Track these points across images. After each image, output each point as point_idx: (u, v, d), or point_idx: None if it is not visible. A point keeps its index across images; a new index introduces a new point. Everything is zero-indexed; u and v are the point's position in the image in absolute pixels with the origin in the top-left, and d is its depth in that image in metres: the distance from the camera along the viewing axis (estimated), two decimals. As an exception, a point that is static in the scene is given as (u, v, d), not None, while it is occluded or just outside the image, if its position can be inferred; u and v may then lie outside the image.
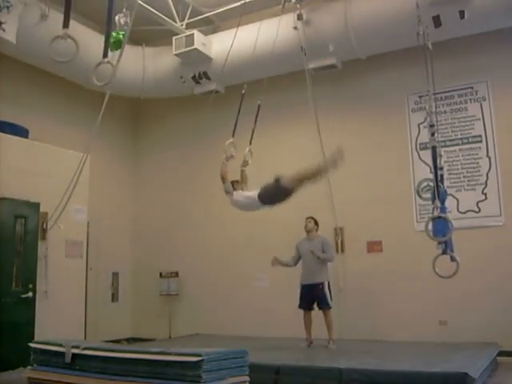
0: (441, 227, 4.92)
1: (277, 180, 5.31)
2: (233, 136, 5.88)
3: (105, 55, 4.25)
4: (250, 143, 6.28)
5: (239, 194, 5.71)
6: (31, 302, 6.49)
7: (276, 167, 6.59)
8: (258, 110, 6.28)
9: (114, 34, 6.74)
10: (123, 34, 6.64)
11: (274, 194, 5.40)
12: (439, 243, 4.99)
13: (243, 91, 6.07)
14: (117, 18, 6.62)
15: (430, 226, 4.97)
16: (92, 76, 4.29)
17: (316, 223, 7.04)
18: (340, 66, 8.02)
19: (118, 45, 6.26)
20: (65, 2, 3.95)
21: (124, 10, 6.67)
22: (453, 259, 5.00)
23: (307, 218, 7.04)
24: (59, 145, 7.48)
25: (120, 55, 4.98)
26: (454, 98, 7.73)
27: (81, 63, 7.16)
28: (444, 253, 4.99)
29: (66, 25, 3.90)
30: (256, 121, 6.28)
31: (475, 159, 7.49)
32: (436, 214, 4.92)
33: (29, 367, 4.09)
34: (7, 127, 6.91)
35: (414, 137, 7.93)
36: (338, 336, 6.85)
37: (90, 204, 7.71)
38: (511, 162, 7.23)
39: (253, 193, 5.55)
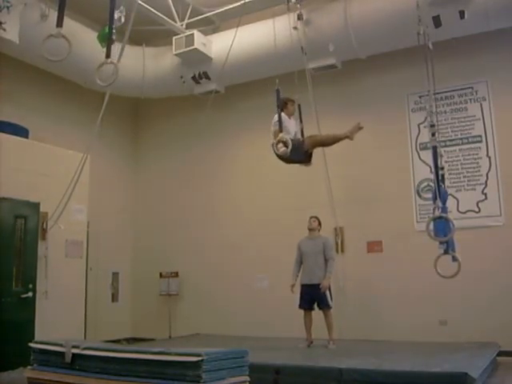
0: (442, 227, 4.92)
1: (304, 139, 5.62)
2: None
3: (107, 55, 4.26)
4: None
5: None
6: (31, 302, 6.47)
7: (276, 166, 6.61)
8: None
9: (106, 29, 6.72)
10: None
11: (294, 148, 5.44)
12: (441, 243, 4.99)
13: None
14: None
15: (431, 226, 4.97)
16: (95, 76, 4.29)
17: (319, 223, 7.04)
18: (340, 66, 8.02)
19: (104, 38, 6.23)
20: (59, 2, 3.95)
21: (121, 7, 6.65)
22: (455, 259, 5.00)
23: (311, 217, 7.04)
24: (59, 145, 7.47)
25: (120, 55, 4.99)
26: (454, 98, 7.73)
27: (80, 63, 7.25)
28: (446, 253, 4.99)
29: (59, 24, 3.91)
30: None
31: (475, 159, 7.49)
32: (437, 213, 4.92)
33: (29, 367, 4.08)
34: (7, 127, 6.90)
35: (414, 137, 7.93)
36: (337, 336, 6.86)
37: (90, 204, 7.70)
38: (511, 162, 7.23)
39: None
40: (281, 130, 5.51)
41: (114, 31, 6.43)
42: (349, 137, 5.59)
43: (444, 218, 4.89)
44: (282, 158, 5.63)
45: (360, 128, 5.55)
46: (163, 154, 10.08)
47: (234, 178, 9.33)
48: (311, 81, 6.98)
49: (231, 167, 9.41)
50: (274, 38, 7.16)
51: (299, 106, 6.47)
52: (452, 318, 7.15)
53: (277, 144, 5.42)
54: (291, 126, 5.84)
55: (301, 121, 6.43)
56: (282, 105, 5.78)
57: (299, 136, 5.98)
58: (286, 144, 5.34)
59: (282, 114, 5.67)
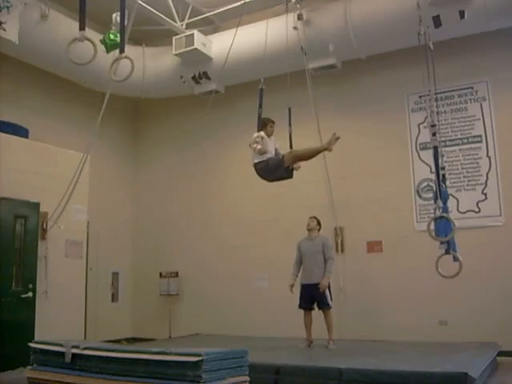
0: (443, 227, 4.93)
1: (283, 156, 5.57)
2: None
3: (121, 51, 4.30)
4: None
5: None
6: (31, 302, 6.48)
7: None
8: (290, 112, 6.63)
9: (111, 35, 6.74)
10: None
11: (275, 166, 5.55)
12: (442, 243, 4.99)
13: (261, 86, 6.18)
14: (114, 15, 6.62)
15: (432, 226, 4.97)
16: (110, 72, 4.31)
17: (319, 223, 7.03)
18: (340, 66, 8.02)
19: (115, 47, 6.27)
20: (79, 5, 3.96)
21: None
22: (456, 259, 5.01)
23: (310, 218, 7.03)
24: (59, 145, 7.47)
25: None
26: (454, 98, 7.73)
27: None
28: (447, 252, 4.99)
29: (82, 27, 3.92)
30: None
31: (475, 159, 7.49)
32: (438, 213, 4.92)
33: (29, 367, 4.09)
34: (7, 127, 6.91)
35: (413, 137, 7.93)
36: (337, 336, 6.85)
37: (90, 204, 7.70)
38: (511, 162, 7.23)
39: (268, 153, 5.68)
40: (259, 129, 5.69)
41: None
42: (327, 148, 5.45)
43: (445, 217, 4.89)
44: (264, 177, 5.72)
45: (337, 138, 5.39)
46: (163, 153, 10.08)
47: (233, 177, 9.32)
48: (311, 81, 6.98)
49: (231, 167, 9.41)
50: (274, 38, 7.16)
51: (289, 109, 6.59)
52: (452, 318, 7.15)
53: (255, 141, 5.52)
54: (271, 145, 5.90)
55: (290, 124, 6.54)
56: (262, 125, 5.87)
57: (279, 153, 6.00)
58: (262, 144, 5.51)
59: (262, 133, 5.73)
